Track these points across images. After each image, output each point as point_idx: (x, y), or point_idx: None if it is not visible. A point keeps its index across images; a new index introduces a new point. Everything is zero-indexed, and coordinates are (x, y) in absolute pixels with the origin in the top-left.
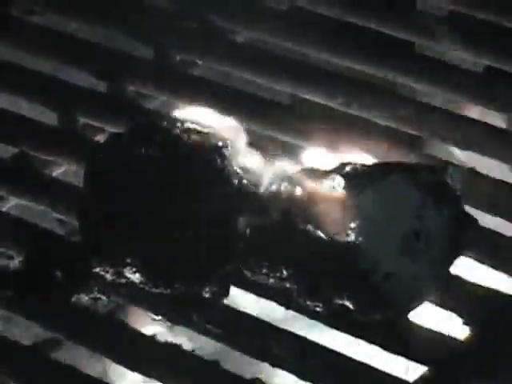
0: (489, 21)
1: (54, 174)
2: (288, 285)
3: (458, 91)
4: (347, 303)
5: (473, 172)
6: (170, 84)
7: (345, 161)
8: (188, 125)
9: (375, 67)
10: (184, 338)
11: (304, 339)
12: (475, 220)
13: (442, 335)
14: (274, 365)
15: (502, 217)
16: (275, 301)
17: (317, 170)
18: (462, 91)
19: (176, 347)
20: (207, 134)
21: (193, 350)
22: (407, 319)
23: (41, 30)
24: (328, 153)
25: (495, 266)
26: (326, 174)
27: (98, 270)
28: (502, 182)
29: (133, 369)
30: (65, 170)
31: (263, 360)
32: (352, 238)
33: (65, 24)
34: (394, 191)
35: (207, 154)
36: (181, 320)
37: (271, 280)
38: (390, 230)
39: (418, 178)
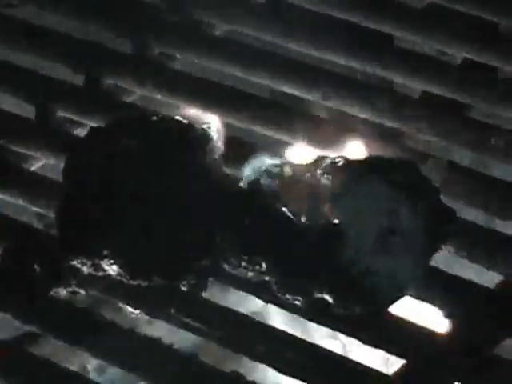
0: (467, 13)
1: (33, 168)
2: (267, 278)
3: (436, 83)
4: (327, 297)
5: (452, 164)
6: (149, 78)
7: (323, 155)
8: (168, 118)
9: (354, 60)
10: (163, 332)
11: (283, 333)
12: (454, 213)
13: (421, 328)
14: (253, 359)
15: (480, 209)
16: (254, 294)
17: (295, 163)
18: (439, 83)
19: (155, 341)
20: (187, 127)
21: (171, 344)
22: (387, 312)
23: (18, 23)
24: (307, 146)
25: (474, 259)
26: (305, 167)
27: (75, 263)
28: (481, 173)
29: (112, 363)
30: (43, 164)
31: (243, 354)
32: (331, 232)
33: (42, 17)
34: (368, 187)
35: (187, 148)
36: (159, 313)
37: (250, 273)
38: (366, 226)
39: (393, 174)
